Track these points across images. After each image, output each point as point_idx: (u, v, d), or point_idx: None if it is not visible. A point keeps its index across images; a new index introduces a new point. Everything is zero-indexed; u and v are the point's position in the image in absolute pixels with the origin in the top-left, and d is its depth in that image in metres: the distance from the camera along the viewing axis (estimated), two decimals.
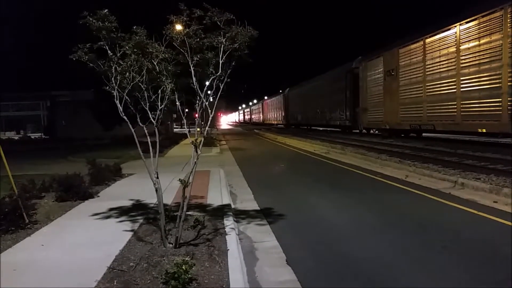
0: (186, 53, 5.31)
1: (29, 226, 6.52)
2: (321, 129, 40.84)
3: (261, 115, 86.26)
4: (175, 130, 55.83)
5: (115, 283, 4.20)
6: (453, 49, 16.48)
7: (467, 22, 15.62)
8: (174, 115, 47.79)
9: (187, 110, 6.49)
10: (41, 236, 6.11)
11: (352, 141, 23.42)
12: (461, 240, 5.88)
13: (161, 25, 5.36)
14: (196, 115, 5.63)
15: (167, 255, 4.94)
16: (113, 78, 5.38)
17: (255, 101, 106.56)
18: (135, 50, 5.36)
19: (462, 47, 15.90)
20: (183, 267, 3.93)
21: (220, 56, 5.34)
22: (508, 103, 13.32)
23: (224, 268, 4.55)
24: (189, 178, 5.33)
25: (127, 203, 8.26)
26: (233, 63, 5.54)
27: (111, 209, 7.70)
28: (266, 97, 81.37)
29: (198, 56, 5.36)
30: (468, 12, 15.71)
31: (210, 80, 5.51)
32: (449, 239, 5.93)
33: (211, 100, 5.83)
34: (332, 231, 6.61)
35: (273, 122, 69.46)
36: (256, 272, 4.88)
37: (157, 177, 5.42)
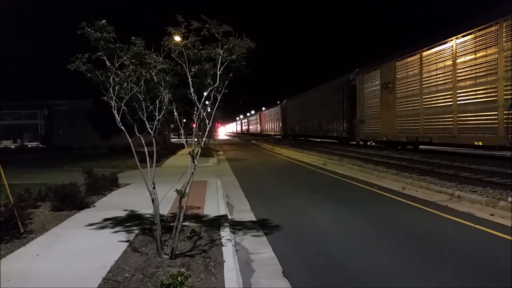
0: (184, 64, 5.34)
1: (24, 235, 6.47)
2: (318, 140, 40.94)
3: (258, 126, 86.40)
4: (172, 140, 55.85)
5: None
6: (449, 62, 16.63)
7: (463, 36, 15.79)
8: (172, 125, 47.90)
9: (184, 120, 6.50)
10: (36, 246, 6.06)
11: (349, 153, 23.46)
12: (458, 253, 5.86)
13: (159, 36, 5.40)
14: (194, 126, 5.64)
15: (162, 266, 4.91)
16: (111, 88, 5.40)
17: (252, 111, 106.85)
18: (133, 60, 5.40)
19: (458, 61, 16.05)
20: (179, 279, 3.91)
21: (218, 67, 5.38)
22: (504, 116, 13.41)
23: (220, 279, 4.53)
24: (185, 188, 5.32)
25: (123, 213, 8.23)
26: (230, 74, 5.57)
27: (107, 219, 7.66)
28: (263, 108, 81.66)
29: (196, 67, 5.39)
30: (464, 26, 15.89)
31: (208, 91, 5.54)
32: (446, 252, 5.93)
33: (209, 110, 5.85)
34: (328, 243, 6.59)
35: (270, 133, 69.58)
36: (253, 284, 4.85)
37: (154, 187, 5.41)
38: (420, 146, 22.55)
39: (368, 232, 7.21)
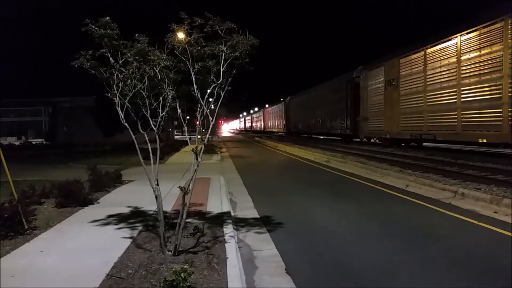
0: (187, 61, 5.34)
1: (28, 232, 6.50)
2: (321, 137, 40.87)
3: (262, 123, 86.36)
4: (176, 137, 55.92)
5: None
6: (454, 59, 16.54)
7: (468, 33, 15.69)
8: (175, 122, 47.97)
9: (188, 117, 6.50)
10: (40, 242, 6.09)
11: (352, 150, 23.43)
12: (460, 251, 5.85)
13: (163, 33, 5.40)
14: (197, 123, 5.65)
15: (166, 262, 4.92)
16: (114, 85, 5.41)
17: (256, 109, 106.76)
18: (137, 57, 5.40)
19: (463, 58, 15.96)
20: (182, 275, 3.92)
21: (221, 64, 5.37)
22: (509, 114, 13.34)
23: (223, 276, 4.53)
24: (189, 185, 5.33)
25: (127, 210, 8.25)
26: (234, 71, 5.56)
27: (110, 216, 7.69)
28: (267, 105, 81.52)
29: (199, 64, 5.39)
30: (469, 23, 15.79)
31: (211, 88, 5.53)
32: (449, 249, 5.92)
33: (212, 107, 5.85)
34: (331, 240, 6.59)
35: (274, 130, 69.53)
36: (255, 280, 4.86)
37: (157, 184, 5.42)
38: (424, 144, 22.48)
39: (371, 229, 7.20)
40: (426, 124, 18.67)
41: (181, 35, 5.33)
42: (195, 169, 5.38)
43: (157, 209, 5.49)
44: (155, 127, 5.60)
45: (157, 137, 5.72)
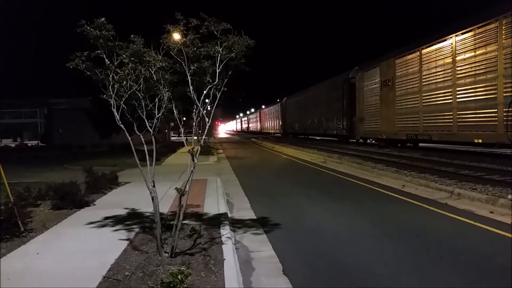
0: (183, 62, 5.33)
1: (24, 234, 6.47)
2: (318, 138, 40.91)
3: (258, 124, 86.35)
4: (172, 138, 55.82)
5: None
6: (449, 59, 16.58)
7: (463, 33, 15.75)
8: (172, 124, 47.89)
9: (184, 118, 6.49)
10: (36, 244, 6.06)
11: (349, 151, 23.47)
12: (457, 251, 5.87)
13: (158, 34, 5.39)
14: (194, 124, 5.64)
15: (162, 264, 4.91)
16: (110, 87, 5.39)
17: (252, 110, 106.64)
18: (132, 58, 5.38)
19: (458, 58, 16.01)
20: (179, 277, 3.91)
21: (217, 65, 5.37)
22: (504, 114, 13.39)
23: (220, 278, 4.53)
24: (185, 186, 5.32)
25: (123, 211, 8.23)
26: (230, 72, 5.56)
27: (107, 218, 7.67)
28: (263, 106, 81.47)
29: (195, 65, 5.38)
30: (464, 23, 15.85)
31: (207, 89, 5.53)
32: (445, 249, 5.93)
33: (209, 108, 5.85)
34: (328, 241, 6.60)
35: (270, 131, 69.54)
36: (253, 282, 4.85)
37: (154, 186, 5.41)
38: (420, 144, 22.54)
39: (367, 230, 7.21)
40: (422, 124, 18.71)
41: (176, 36, 5.32)
42: (192, 171, 5.37)
43: (154, 211, 5.47)
44: (151, 128, 5.59)
45: (153, 139, 5.71)
